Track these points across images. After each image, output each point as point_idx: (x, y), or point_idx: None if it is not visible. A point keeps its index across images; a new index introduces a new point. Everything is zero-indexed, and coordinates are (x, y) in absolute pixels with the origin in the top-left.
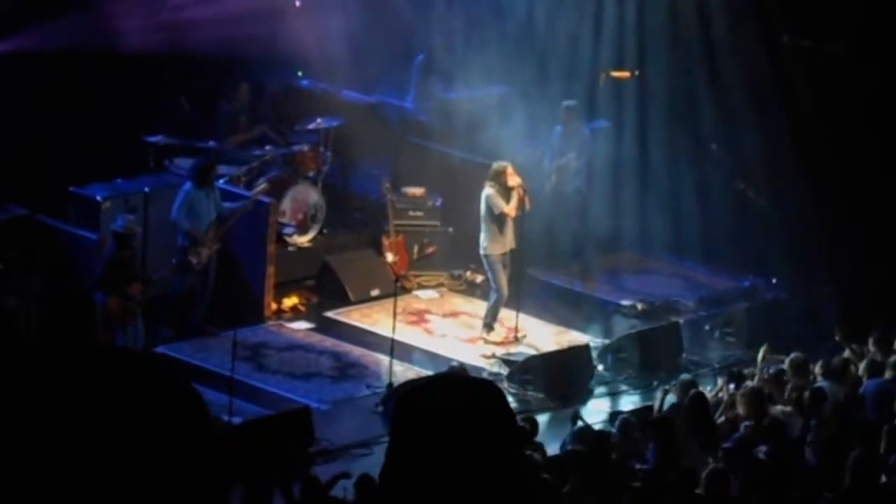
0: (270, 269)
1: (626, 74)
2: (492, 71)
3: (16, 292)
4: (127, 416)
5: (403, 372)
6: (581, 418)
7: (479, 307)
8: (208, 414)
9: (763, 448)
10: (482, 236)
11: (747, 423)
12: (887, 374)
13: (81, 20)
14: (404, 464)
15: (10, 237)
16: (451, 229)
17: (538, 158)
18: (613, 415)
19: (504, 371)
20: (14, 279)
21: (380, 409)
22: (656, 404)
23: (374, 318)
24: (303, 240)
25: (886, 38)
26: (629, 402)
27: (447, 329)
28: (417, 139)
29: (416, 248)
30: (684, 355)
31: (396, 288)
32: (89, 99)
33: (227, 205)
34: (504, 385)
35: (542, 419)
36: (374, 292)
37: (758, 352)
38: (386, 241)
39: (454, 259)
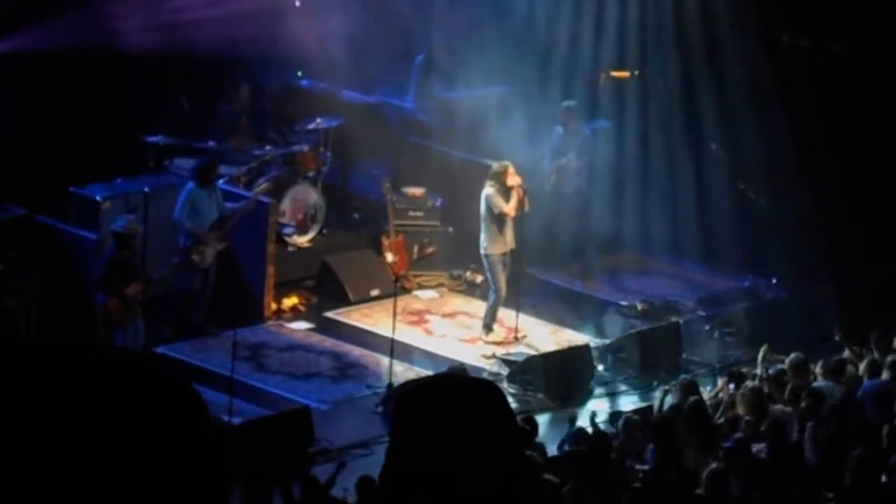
0: (270, 270)
1: (625, 74)
2: (492, 71)
3: (15, 292)
4: (127, 416)
5: (403, 372)
6: (594, 422)
7: (479, 307)
8: (208, 414)
9: (763, 448)
10: (482, 236)
11: (748, 418)
12: (885, 375)
13: (81, 20)
14: (404, 464)
15: (10, 237)
16: (450, 229)
17: (538, 158)
18: (613, 415)
19: (504, 371)
20: (14, 279)
21: (379, 409)
22: (656, 404)
23: (374, 319)
24: (303, 240)
25: (886, 37)
26: (629, 402)
27: (447, 329)
28: (417, 139)
29: (415, 249)
30: (684, 355)
31: (396, 288)
32: (89, 99)
33: (228, 205)
34: (504, 385)
35: (542, 419)
36: (374, 292)
37: (758, 352)
38: (386, 242)
39: (454, 259)
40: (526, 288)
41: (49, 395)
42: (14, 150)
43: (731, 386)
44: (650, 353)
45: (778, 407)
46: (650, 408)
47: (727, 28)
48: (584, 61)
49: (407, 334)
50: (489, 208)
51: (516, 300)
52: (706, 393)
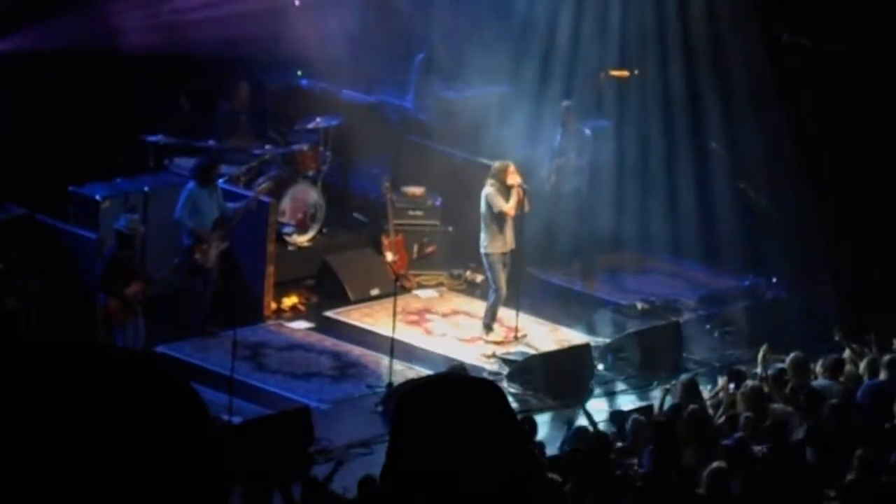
0: (270, 269)
1: (625, 74)
2: (492, 70)
3: (15, 292)
4: (126, 416)
5: (403, 371)
6: (593, 421)
7: (479, 307)
8: (208, 414)
9: (763, 447)
10: (482, 235)
11: (748, 414)
12: (882, 374)
13: (81, 19)
14: (405, 464)
15: (10, 237)
16: (450, 229)
17: (538, 158)
18: (614, 414)
19: (504, 371)
20: (13, 279)
21: (380, 408)
22: (657, 404)
23: (374, 318)
24: (302, 239)
25: (886, 37)
26: (630, 401)
27: (447, 328)
28: (417, 139)
29: (415, 248)
30: (684, 355)
31: (396, 287)
32: (89, 98)
33: (230, 205)
34: (504, 385)
35: (542, 419)
36: (374, 292)
37: (758, 351)
38: (386, 241)
39: (454, 258)
40: (526, 287)
41: (48, 394)
42: (14, 150)
43: (732, 385)
44: (650, 353)
45: (778, 406)
46: (650, 407)
47: (727, 27)
48: (583, 61)
49: (407, 334)
50: (489, 207)
51: (516, 300)
52: (706, 392)
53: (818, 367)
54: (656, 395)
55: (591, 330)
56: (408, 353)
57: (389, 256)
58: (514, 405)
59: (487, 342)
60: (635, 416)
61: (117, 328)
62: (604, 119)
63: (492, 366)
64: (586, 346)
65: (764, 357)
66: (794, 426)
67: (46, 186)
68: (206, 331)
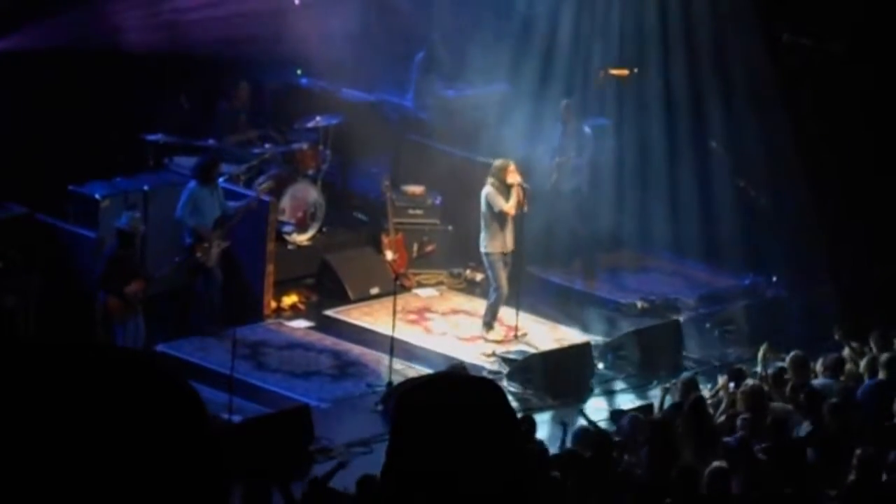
0: (270, 268)
1: (625, 72)
2: (492, 69)
3: (15, 291)
4: (124, 415)
5: (403, 370)
6: (586, 417)
7: (479, 305)
8: (207, 413)
9: (764, 446)
10: (482, 234)
11: (745, 415)
12: (882, 374)
13: (81, 18)
14: (405, 463)
15: (10, 236)
16: (450, 227)
17: (538, 157)
18: (614, 413)
19: (504, 369)
20: (13, 278)
21: (379, 407)
22: (657, 403)
23: (374, 317)
24: (302, 238)
25: (886, 36)
26: (629, 400)
27: (447, 327)
28: (417, 137)
29: (415, 247)
30: (685, 353)
31: (396, 286)
32: (89, 97)
33: (230, 203)
34: (504, 383)
35: (542, 418)
36: (374, 290)
37: (758, 350)
38: (385, 240)
39: (454, 257)
40: (526, 286)
41: (46, 393)
42: (14, 149)
43: (732, 384)
44: (650, 352)
45: (778, 405)
46: (650, 406)
47: (728, 27)
48: (583, 59)
49: (407, 332)
50: (489, 206)
51: (516, 299)
52: (706, 391)
53: (818, 366)
54: (656, 393)
55: (590, 329)
56: (408, 351)
57: (389, 255)
58: (514, 404)
59: (488, 341)
60: (633, 413)
61: (117, 326)
62: (603, 118)
63: (492, 365)
64: (586, 345)
65: (764, 356)
66: (794, 425)
67: (46, 185)
68: (213, 331)
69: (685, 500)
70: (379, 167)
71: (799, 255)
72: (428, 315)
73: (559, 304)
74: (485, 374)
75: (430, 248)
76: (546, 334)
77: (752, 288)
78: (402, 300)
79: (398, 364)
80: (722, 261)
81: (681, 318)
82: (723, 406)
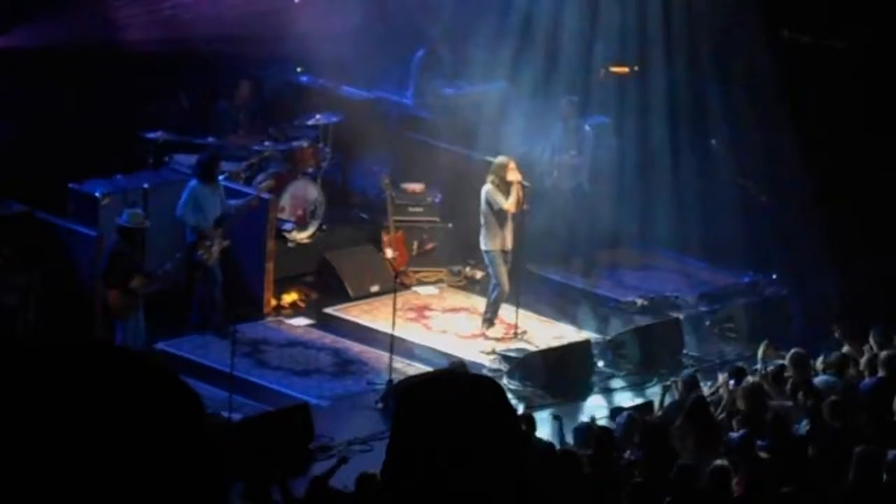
0: (270, 266)
1: (625, 70)
2: (492, 67)
3: (15, 288)
4: (120, 413)
5: (403, 368)
6: (593, 418)
7: (479, 303)
8: (204, 412)
9: (764, 443)
10: (482, 232)
11: (745, 413)
12: (881, 371)
13: (81, 16)
14: (405, 461)
15: (10, 234)
16: (450, 225)
17: (538, 155)
18: (614, 411)
19: (504, 367)
20: (13, 275)
21: (379, 405)
22: (657, 401)
23: (374, 315)
24: (302, 236)
25: (887, 33)
26: (629, 398)
27: (447, 325)
28: (417, 135)
29: (415, 244)
30: (685, 351)
31: (396, 284)
32: (88, 95)
33: (230, 201)
34: (504, 381)
35: (542, 416)
36: (374, 288)
37: (758, 348)
38: (385, 237)
39: (454, 255)
40: (526, 284)
41: (41, 393)
42: (14, 147)
43: (732, 382)
44: (650, 349)
45: (778, 402)
46: (650, 404)
47: (728, 24)
48: (583, 57)
49: (407, 330)
50: (489, 204)
51: (516, 296)
52: (706, 389)
53: (818, 364)
54: (656, 391)
55: (590, 326)
56: (407, 349)
57: (389, 253)
58: (514, 402)
59: (488, 338)
60: (628, 412)
61: (118, 322)
62: (603, 116)
63: (492, 362)
64: (586, 343)
65: (764, 353)
66: (795, 422)
67: (46, 183)
68: (212, 328)
69: (684, 498)
70: (379, 165)
71: (799, 253)
72: (428, 313)
73: (559, 302)
74: (485, 371)
75: (430, 245)
76: (546, 332)
77: (752, 286)
78: (402, 298)
79: (398, 362)
80: (722, 259)
81: (681, 316)
82: (723, 404)
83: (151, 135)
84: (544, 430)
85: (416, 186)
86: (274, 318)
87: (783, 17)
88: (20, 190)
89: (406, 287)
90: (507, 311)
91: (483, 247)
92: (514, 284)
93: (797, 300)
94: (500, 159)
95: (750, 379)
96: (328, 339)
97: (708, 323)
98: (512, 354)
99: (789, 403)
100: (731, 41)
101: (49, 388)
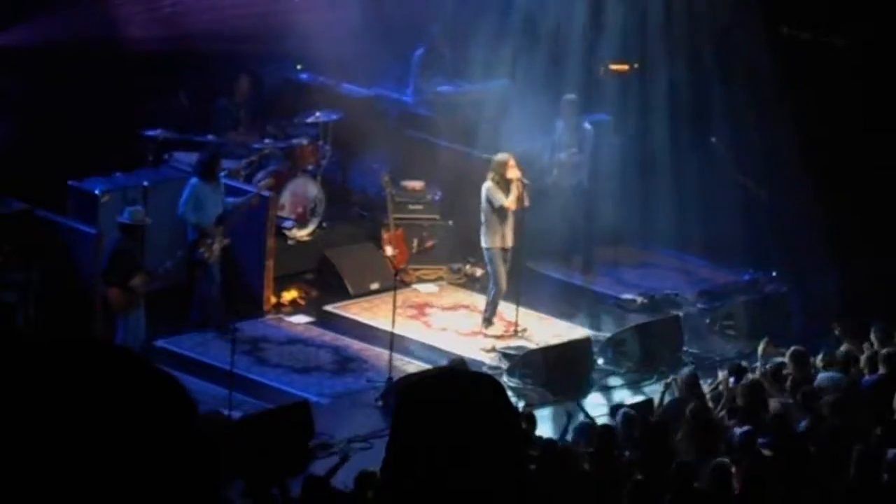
0: (270, 263)
1: (625, 67)
2: (492, 64)
3: (15, 286)
4: (110, 410)
5: (403, 366)
6: (585, 411)
7: (479, 301)
8: (196, 408)
9: (765, 441)
10: (482, 230)
11: (745, 410)
12: (882, 369)
13: (80, 14)
14: (405, 458)
15: (10, 231)
16: (450, 223)
17: (538, 152)
18: (614, 408)
19: (504, 365)
20: (13, 273)
21: (379, 403)
22: (657, 399)
23: (374, 312)
24: (302, 233)
25: (887, 31)
26: (629, 395)
27: (447, 323)
28: (417, 133)
29: (415, 242)
30: (685, 348)
31: (396, 281)
32: (88, 92)
33: (228, 199)
34: (504, 379)
35: (542, 413)
36: (374, 286)
37: (758, 345)
38: (385, 235)
39: (454, 252)
40: (526, 281)
41: (32, 391)
42: (13, 145)
43: (732, 379)
44: (650, 347)
45: (777, 400)
46: (650, 401)
47: (728, 21)
48: (583, 55)
49: (407, 328)
50: (489, 202)
51: (516, 294)
52: (706, 386)
53: (818, 361)
54: (656, 389)
55: (591, 324)
56: (407, 347)
57: (389, 251)
58: (514, 399)
59: (487, 336)
60: (625, 410)
61: (119, 319)
62: (604, 113)
63: (491, 360)
64: (586, 341)
65: (764, 351)
66: (795, 419)
67: (46, 181)
68: (212, 326)
69: (683, 496)
70: (379, 163)
71: (799, 251)
72: (428, 310)
73: (559, 300)
74: (484, 369)
75: (430, 243)
76: (546, 329)
77: (752, 283)
78: (402, 295)
79: (398, 360)
80: (722, 256)
81: (681, 314)
82: (723, 401)
83: (151, 132)
84: (545, 427)
85: (416, 184)
86: (274, 316)
87: (783, 14)
88: (20, 188)
89: (406, 285)
90: (507, 309)
91: (483, 244)
92: (514, 282)
93: (797, 298)
94: (500, 156)
95: (750, 376)
96: (328, 336)
97: (708, 320)
98: (512, 352)
99: (789, 401)
100: (731, 39)
101: (37, 387)
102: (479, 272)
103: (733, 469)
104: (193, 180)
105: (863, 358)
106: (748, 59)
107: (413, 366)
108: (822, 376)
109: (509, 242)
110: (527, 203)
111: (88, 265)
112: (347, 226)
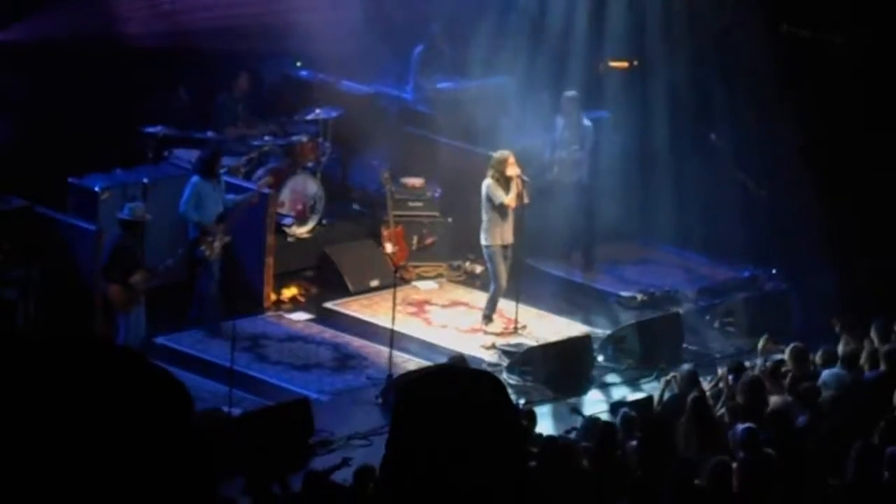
0: (269, 260)
1: (625, 64)
2: (491, 61)
3: (15, 283)
4: (107, 408)
5: (403, 363)
6: (580, 412)
7: (479, 298)
8: (192, 405)
9: (764, 438)
10: (482, 227)
11: (737, 412)
12: (882, 365)
13: (80, 11)
14: (404, 456)
15: (9, 228)
16: (450, 220)
17: (538, 149)
18: (614, 405)
19: (504, 362)
20: (13, 270)
21: (379, 400)
22: (657, 396)
23: (374, 309)
24: (302, 230)
25: (886, 27)
26: (630, 392)
27: (447, 320)
28: (417, 130)
29: (415, 239)
30: (685, 346)
31: (396, 279)
32: (88, 89)
33: (228, 197)
34: (504, 376)
35: (542, 410)
36: (374, 283)
37: (758, 342)
38: (385, 232)
39: (454, 249)
40: (526, 278)
41: (28, 389)
42: (13, 141)
43: (731, 376)
44: (651, 344)
45: (777, 397)
46: (650, 398)
47: (728, 18)
48: (583, 51)
49: (406, 325)
50: (489, 199)
51: (516, 291)
52: (706, 383)
53: (818, 358)
54: (656, 386)
55: (591, 321)
56: (407, 344)
57: (389, 248)
58: (514, 397)
59: (487, 333)
60: (624, 409)
61: (120, 316)
62: (603, 110)
63: (491, 357)
64: (586, 338)
65: (763, 348)
66: (794, 416)
67: (46, 178)
68: (212, 323)
69: (683, 493)
70: (379, 160)
71: (799, 248)
72: (428, 307)
73: (559, 297)
74: (484, 366)
75: (429, 240)
76: (546, 327)
77: (751, 280)
78: (402, 292)
79: (398, 357)
80: (722, 253)
81: (681, 311)
82: (723, 398)
83: (151, 129)
84: (545, 424)
85: (416, 181)
86: (274, 313)
87: (783, 12)
88: (20, 184)
89: (406, 282)
90: (507, 306)
91: (483, 242)
92: (514, 279)
93: (797, 295)
94: (500, 154)
95: (749, 373)
96: (328, 333)
97: (708, 317)
98: (512, 349)
99: (789, 398)
100: (731, 37)
101: (33, 385)
102: (479, 269)
103: (734, 466)
104: (194, 178)
105: (863, 355)
106: (748, 57)
107: (413, 363)
108: (826, 373)
109: (509, 240)
110: (527, 200)
111: (88, 262)
112: (347, 223)
